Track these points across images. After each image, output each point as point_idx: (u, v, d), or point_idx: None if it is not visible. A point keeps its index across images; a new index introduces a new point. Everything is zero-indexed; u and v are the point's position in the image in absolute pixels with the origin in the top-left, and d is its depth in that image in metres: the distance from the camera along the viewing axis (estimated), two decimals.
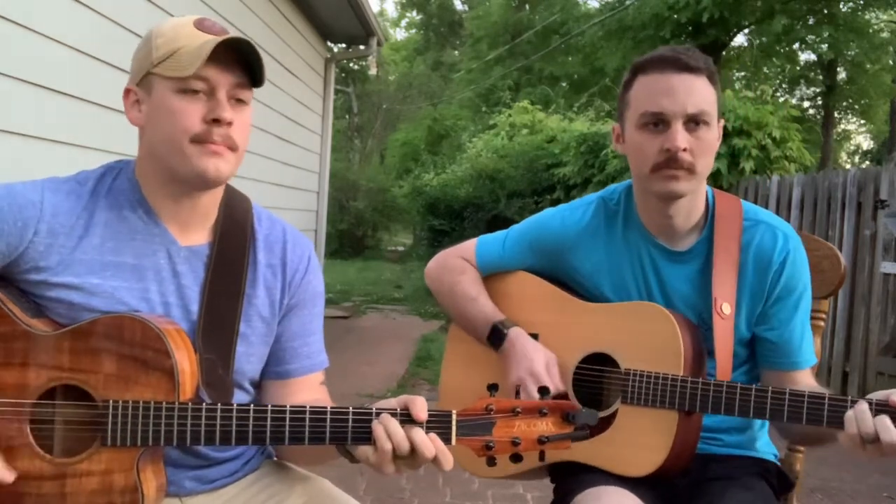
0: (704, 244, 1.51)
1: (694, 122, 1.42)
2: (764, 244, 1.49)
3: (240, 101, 1.22)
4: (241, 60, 1.20)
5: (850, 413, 1.26)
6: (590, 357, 1.54)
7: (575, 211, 1.63)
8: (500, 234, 1.73)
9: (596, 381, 1.53)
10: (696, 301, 1.51)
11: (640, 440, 1.44)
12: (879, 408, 1.24)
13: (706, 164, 1.45)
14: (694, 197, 1.49)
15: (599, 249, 1.58)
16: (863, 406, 1.25)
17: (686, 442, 1.43)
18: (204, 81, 1.17)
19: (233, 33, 1.22)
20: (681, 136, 1.40)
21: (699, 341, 1.47)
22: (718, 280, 1.47)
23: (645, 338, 1.47)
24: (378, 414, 1.13)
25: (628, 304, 1.53)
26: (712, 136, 1.45)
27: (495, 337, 1.59)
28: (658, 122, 1.42)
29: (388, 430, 1.11)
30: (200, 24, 1.21)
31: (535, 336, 1.60)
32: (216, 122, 1.18)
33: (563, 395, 1.50)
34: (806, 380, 1.51)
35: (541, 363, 1.50)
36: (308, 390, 1.37)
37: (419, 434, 1.11)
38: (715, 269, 1.47)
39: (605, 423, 1.48)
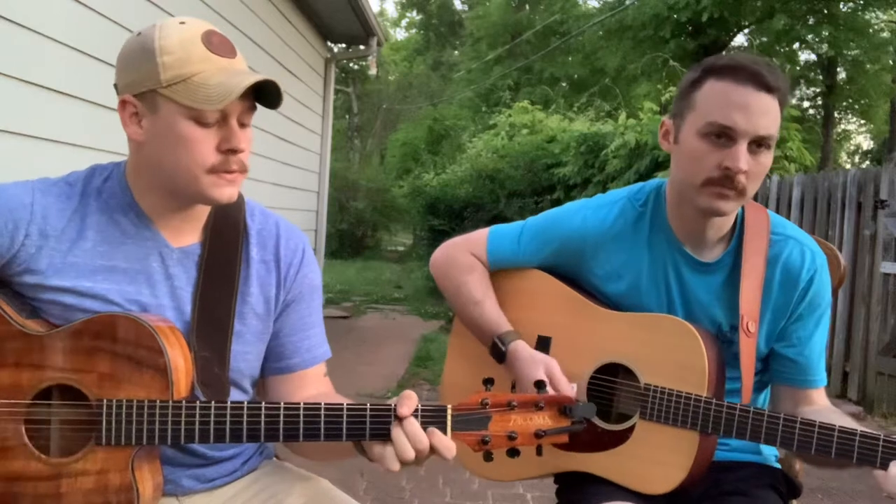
0: (731, 256, 1.47)
1: (758, 143, 1.35)
2: (792, 261, 1.46)
3: (244, 125, 1.20)
4: (252, 87, 1.17)
5: (893, 469, 1.23)
6: (604, 367, 1.51)
7: (599, 210, 1.56)
8: (514, 226, 1.66)
9: (607, 392, 1.50)
10: (717, 313, 1.48)
11: (658, 457, 1.41)
12: None
13: (755, 188, 1.40)
14: (732, 213, 1.46)
15: (621, 252, 1.52)
16: None
17: (704, 460, 1.41)
18: (219, 111, 1.15)
19: (232, 35, 1.21)
20: (744, 158, 1.33)
21: (721, 358, 1.44)
22: (745, 296, 1.43)
23: (668, 353, 1.43)
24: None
25: (650, 315, 1.49)
26: (769, 160, 1.39)
27: (495, 352, 1.55)
28: (722, 136, 1.34)
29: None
30: (209, 43, 1.16)
31: (547, 339, 1.56)
32: (231, 151, 1.17)
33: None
34: (821, 399, 1.50)
35: (541, 378, 1.44)
36: (312, 384, 1.36)
37: (413, 424, 1.11)
38: (742, 284, 1.43)
39: (622, 436, 1.45)
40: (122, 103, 1.20)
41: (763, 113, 1.34)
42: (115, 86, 1.22)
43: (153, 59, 1.14)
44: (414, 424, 1.11)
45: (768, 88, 1.34)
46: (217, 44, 1.17)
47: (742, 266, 1.44)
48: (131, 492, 1.13)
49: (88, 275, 1.19)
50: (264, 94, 1.20)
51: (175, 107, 1.14)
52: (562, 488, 1.58)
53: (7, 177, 1.29)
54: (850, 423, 1.32)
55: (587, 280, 1.58)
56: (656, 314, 1.49)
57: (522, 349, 1.51)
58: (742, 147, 1.34)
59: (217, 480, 1.32)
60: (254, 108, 1.21)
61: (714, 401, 1.38)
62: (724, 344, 1.47)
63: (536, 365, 1.47)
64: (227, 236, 1.29)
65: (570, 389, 1.45)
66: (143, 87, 1.16)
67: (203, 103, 1.13)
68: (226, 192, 1.20)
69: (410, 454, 1.10)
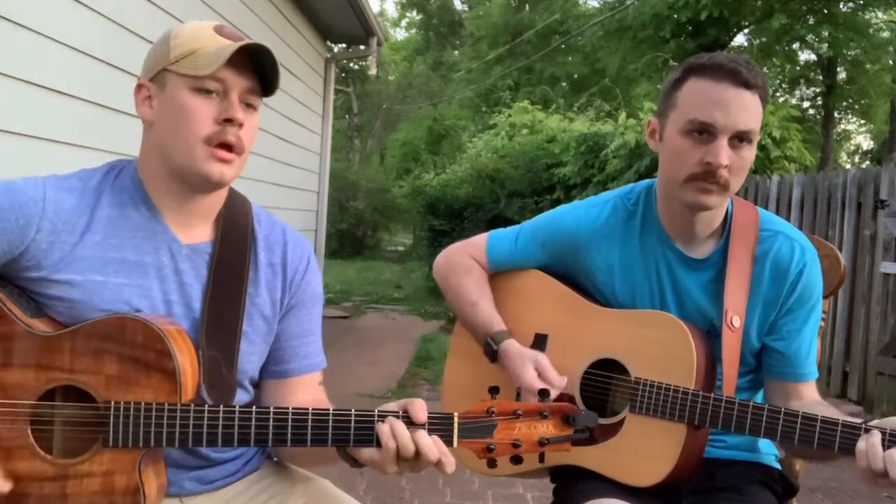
0: (721, 253, 1.50)
1: (738, 138, 1.38)
2: (782, 255, 1.48)
3: (249, 106, 1.24)
4: (255, 68, 1.23)
5: (861, 445, 1.24)
6: (598, 362, 1.53)
7: (591, 209, 1.60)
8: (511, 230, 1.71)
9: (603, 387, 1.53)
10: (709, 309, 1.50)
11: (646, 450, 1.43)
12: (893, 440, 1.22)
13: (739, 182, 1.43)
14: (719, 208, 1.48)
15: (614, 250, 1.55)
16: (874, 439, 1.23)
17: (692, 454, 1.42)
18: (219, 82, 1.20)
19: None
20: (724, 153, 1.37)
21: (711, 353, 1.46)
22: (731, 291, 1.46)
23: (657, 347, 1.46)
24: (382, 417, 1.14)
25: (642, 311, 1.52)
26: (752, 154, 1.42)
27: (488, 351, 1.58)
28: (703, 132, 1.38)
29: (394, 431, 1.12)
30: (220, 30, 1.24)
31: (544, 337, 1.59)
32: (228, 121, 1.20)
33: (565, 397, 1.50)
34: (811, 393, 1.51)
35: (530, 376, 1.48)
36: (306, 390, 1.37)
37: (424, 437, 1.12)
38: (728, 280, 1.46)
39: (613, 430, 1.47)
40: (138, 87, 1.26)
41: (742, 109, 1.37)
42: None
43: (167, 45, 1.23)
44: (425, 437, 1.12)
45: (746, 85, 1.37)
46: (227, 32, 1.24)
47: (728, 262, 1.47)
48: (138, 494, 1.13)
49: (99, 267, 1.20)
50: (267, 74, 1.24)
51: (179, 80, 1.20)
52: (558, 487, 1.59)
53: (7, 177, 1.29)
54: (834, 415, 1.33)
55: (582, 278, 1.61)
56: (648, 311, 1.52)
57: (512, 347, 1.55)
58: (722, 142, 1.37)
59: (218, 482, 1.33)
60: (259, 93, 1.25)
61: (701, 393, 1.40)
62: (716, 339, 1.48)
63: (524, 361, 1.51)
64: (236, 238, 1.31)
65: (560, 381, 1.48)
66: (157, 69, 1.23)
67: (198, 69, 1.18)
68: (217, 170, 1.21)
69: (391, 444, 1.11)
